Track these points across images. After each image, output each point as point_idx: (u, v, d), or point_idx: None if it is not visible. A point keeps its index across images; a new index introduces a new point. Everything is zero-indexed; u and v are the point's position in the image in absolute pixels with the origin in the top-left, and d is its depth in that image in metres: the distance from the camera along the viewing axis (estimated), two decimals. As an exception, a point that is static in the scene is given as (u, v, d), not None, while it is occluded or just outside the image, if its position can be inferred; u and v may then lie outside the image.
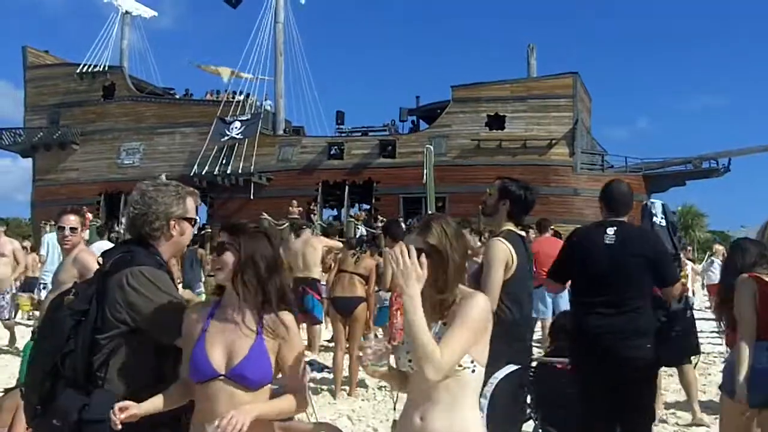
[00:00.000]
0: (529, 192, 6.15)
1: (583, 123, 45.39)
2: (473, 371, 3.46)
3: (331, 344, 14.16)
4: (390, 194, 44.31)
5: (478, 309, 3.43)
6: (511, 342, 5.66)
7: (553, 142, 43.63)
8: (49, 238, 14.79)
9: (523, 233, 6.19)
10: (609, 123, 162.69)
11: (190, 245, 23.85)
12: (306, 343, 15.57)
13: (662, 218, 8.98)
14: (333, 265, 13.73)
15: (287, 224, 34.68)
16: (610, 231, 6.42)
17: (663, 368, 9.77)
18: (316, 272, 14.27)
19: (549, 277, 6.95)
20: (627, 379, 6.17)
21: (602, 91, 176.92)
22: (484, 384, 5.80)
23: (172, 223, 4.18)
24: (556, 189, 42.14)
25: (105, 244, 17.27)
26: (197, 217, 4.35)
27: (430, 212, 32.88)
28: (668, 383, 11.43)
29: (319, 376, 12.67)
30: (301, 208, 40.02)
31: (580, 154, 44.25)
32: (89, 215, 41.43)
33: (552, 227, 15.42)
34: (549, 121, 44.10)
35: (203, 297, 23.41)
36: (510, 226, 6.06)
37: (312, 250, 13.72)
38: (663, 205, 8.74)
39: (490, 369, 5.73)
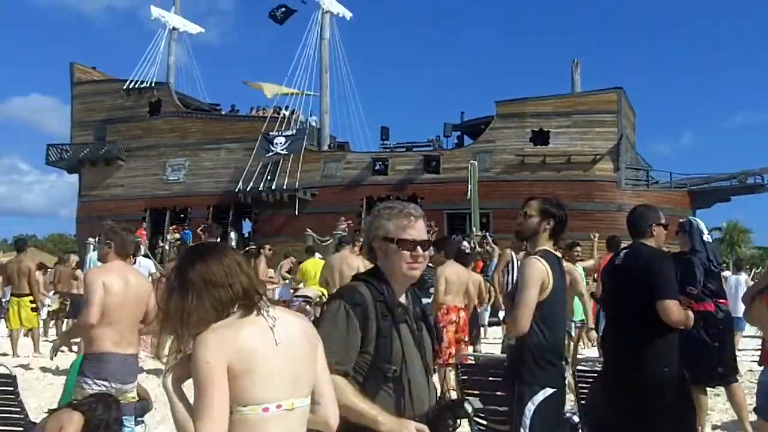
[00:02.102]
0: (564, 210, 6.00)
1: (628, 139, 45.11)
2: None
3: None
4: (434, 210, 44.05)
5: (202, 353, 3.07)
6: (545, 366, 5.60)
7: (598, 157, 43.35)
8: (91, 256, 14.90)
9: (558, 254, 6.02)
10: (653, 138, 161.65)
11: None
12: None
13: (709, 234, 9.15)
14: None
15: (331, 240, 34.78)
16: (622, 253, 6.57)
17: (709, 387, 9.74)
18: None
19: (599, 305, 7.01)
20: (639, 400, 6.17)
21: (646, 106, 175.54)
22: (519, 409, 5.80)
23: (376, 244, 3.97)
24: (600, 204, 41.94)
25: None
26: (410, 238, 3.87)
27: (473, 228, 32.96)
28: (714, 403, 11.26)
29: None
30: (350, 222, 40.07)
31: (625, 169, 43.96)
32: (142, 232, 41.95)
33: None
34: (593, 137, 43.86)
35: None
36: (548, 246, 5.87)
37: (347, 268, 13.67)
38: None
39: (527, 393, 5.75)
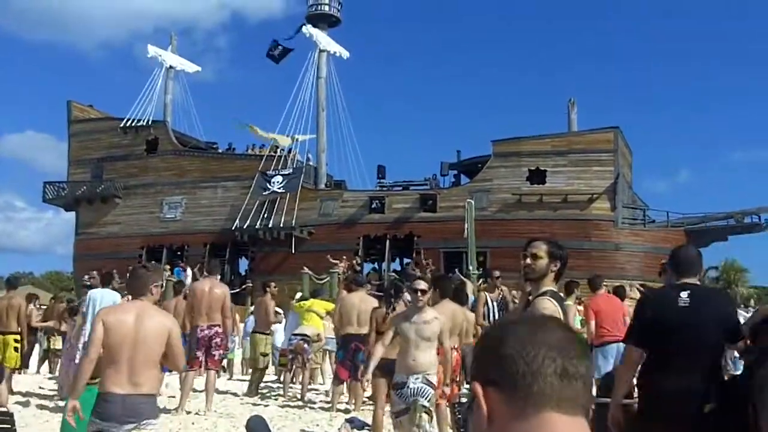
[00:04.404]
0: (566, 251, 6.12)
1: (624, 178, 45.26)
2: None
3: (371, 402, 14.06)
4: (431, 248, 44.10)
5: None
6: None
7: (594, 196, 43.42)
8: (94, 294, 14.42)
9: (562, 294, 6.12)
10: (650, 176, 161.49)
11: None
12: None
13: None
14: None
15: (328, 279, 34.73)
16: (684, 294, 6.32)
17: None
18: (366, 329, 14.31)
19: (629, 342, 6.83)
20: None
21: (643, 144, 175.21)
22: None
23: None
24: (597, 244, 41.99)
25: (107, 293, 16.84)
26: None
27: (470, 267, 32.87)
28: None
29: (359, 434, 12.48)
30: (347, 260, 39.98)
31: (622, 208, 44.06)
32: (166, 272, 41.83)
33: (605, 284, 15.38)
34: (590, 176, 43.95)
35: (238, 353, 23.40)
36: (553, 287, 5.93)
37: (365, 308, 13.78)
38: None
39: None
